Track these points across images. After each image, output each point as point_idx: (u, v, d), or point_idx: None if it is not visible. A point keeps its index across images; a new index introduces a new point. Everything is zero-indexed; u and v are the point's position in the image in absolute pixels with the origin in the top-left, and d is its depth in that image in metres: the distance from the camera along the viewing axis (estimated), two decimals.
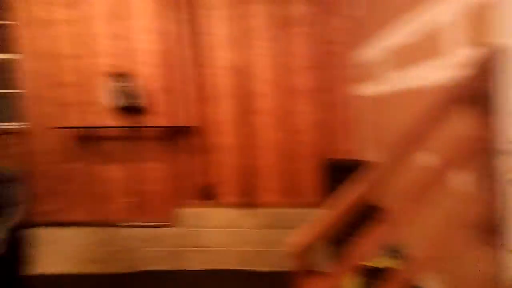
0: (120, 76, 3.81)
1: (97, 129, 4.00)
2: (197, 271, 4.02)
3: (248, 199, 4.02)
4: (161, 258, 4.06)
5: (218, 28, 3.91)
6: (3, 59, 4.05)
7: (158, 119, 3.99)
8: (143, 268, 4.05)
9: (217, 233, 4.04)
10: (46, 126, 4.00)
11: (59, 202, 4.08)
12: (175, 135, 4.01)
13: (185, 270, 4.04)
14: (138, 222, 4.08)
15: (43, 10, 3.91)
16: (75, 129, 4.00)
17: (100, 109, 3.98)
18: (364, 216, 1.97)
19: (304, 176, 4.00)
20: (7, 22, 3.98)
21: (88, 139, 4.03)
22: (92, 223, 4.08)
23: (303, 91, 3.94)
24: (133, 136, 4.02)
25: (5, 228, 2.42)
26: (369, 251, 1.76)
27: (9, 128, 3.97)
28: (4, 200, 2.33)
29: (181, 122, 3.98)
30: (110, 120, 3.99)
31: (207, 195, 4.04)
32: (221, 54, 3.93)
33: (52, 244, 4.02)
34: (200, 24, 3.92)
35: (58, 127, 3.97)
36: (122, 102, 3.82)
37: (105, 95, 3.91)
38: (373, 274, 2.10)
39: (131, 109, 3.90)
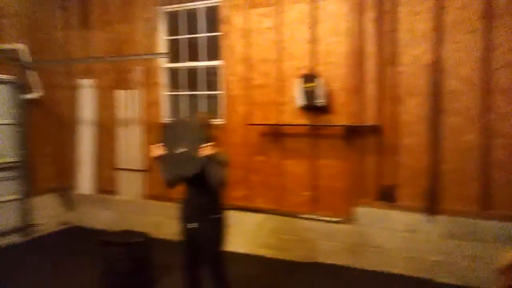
0: (307, 77, 4.07)
1: (282, 126, 4.36)
2: (369, 271, 3.98)
3: (430, 205, 3.76)
4: (334, 252, 4.16)
5: (407, 24, 3.77)
6: (210, 66, 4.83)
7: (339, 118, 4.10)
8: (315, 260, 4.23)
9: (394, 235, 3.91)
10: (239, 123, 4.59)
11: (245, 189, 4.61)
12: (355, 134, 4.05)
13: (356, 268, 4.05)
14: (313, 215, 4.28)
15: (243, 21, 4.48)
16: (263, 126, 4.45)
17: (286, 108, 4.33)
18: None
19: (504, 185, 3.51)
20: (216, 33, 4.72)
21: (274, 135, 4.43)
22: (271, 211, 4.48)
23: (507, 89, 3.45)
24: (314, 133, 4.23)
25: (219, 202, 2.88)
26: None
27: (216, 124, 4.68)
28: (214, 179, 2.76)
29: (362, 121, 4.00)
30: (295, 119, 4.30)
31: (385, 196, 3.95)
32: (410, 51, 3.78)
33: (235, 226, 4.58)
34: (387, 21, 3.86)
35: (249, 124, 4.49)
36: (307, 101, 4.06)
37: (292, 96, 4.23)
38: None
39: (315, 108, 4.11)
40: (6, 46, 4.89)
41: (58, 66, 5.60)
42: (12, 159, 5.03)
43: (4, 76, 4.91)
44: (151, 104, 5.10)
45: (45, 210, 5.45)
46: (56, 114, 5.65)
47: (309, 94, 4.03)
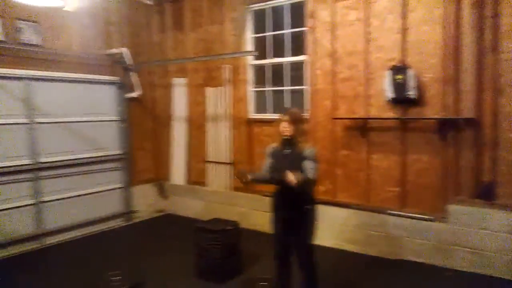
0: (397, 68, 3.95)
1: (369, 120, 4.29)
2: (461, 272, 3.76)
3: None
4: (423, 251, 3.99)
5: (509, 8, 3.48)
6: (296, 61, 4.91)
7: (431, 111, 3.92)
8: (402, 257, 4.10)
9: (492, 236, 3.65)
10: (324, 117, 4.60)
11: (329, 184, 4.61)
12: (449, 128, 3.84)
13: (448, 268, 3.85)
14: (401, 212, 4.14)
15: (329, 15, 4.47)
16: (348, 120, 4.42)
17: (373, 101, 4.25)
18: None
19: None
20: (301, 29, 4.79)
21: (359, 129, 4.37)
22: (355, 206, 4.43)
23: None
24: (404, 127, 4.10)
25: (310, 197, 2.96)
26: None
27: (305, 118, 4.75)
28: (307, 174, 2.79)
29: (457, 114, 3.78)
30: (382, 112, 4.20)
31: (483, 193, 3.70)
32: None
33: (320, 220, 4.59)
34: (488, 6, 3.58)
35: (334, 118, 4.49)
36: (397, 94, 3.95)
37: (379, 88, 4.14)
38: None
39: (405, 101, 3.98)
40: (113, 50, 5.49)
41: (155, 67, 6.13)
42: (116, 152, 5.63)
43: (111, 77, 5.51)
44: (238, 100, 5.34)
45: (143, 199, 6.00)
46: (153, 111, 6.18)
47: (399, 86, 3.91)
